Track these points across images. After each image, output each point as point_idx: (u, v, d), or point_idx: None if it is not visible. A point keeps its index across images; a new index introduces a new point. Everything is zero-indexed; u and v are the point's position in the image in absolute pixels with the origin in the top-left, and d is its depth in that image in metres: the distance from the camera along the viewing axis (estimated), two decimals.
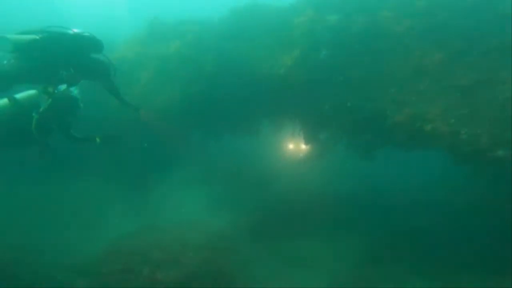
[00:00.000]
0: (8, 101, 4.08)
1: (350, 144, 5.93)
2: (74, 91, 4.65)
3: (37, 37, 4.15)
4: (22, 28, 4.27)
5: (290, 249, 5.26)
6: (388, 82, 5.54)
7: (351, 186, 7.24)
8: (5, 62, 4.19)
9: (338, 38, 6.26)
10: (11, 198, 5.82)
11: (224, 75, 6.96)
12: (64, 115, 4.41)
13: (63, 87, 4.49)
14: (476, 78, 4.78)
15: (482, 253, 4.69)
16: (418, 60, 5.46)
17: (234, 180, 7.43)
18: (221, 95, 7.03)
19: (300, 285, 4.46)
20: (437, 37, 5.62)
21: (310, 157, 6.68)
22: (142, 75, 7.30)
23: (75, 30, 4.53)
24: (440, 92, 4.89)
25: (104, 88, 5.30)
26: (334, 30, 6.37)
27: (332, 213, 6.19)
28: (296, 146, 7.72)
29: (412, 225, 5.79)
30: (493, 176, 4.14)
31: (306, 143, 6.58)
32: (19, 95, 4.23)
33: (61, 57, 4.34)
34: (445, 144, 4.43)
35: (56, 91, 4.29)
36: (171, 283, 4.32)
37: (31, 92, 4.36)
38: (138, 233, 5.55)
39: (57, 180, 6.47)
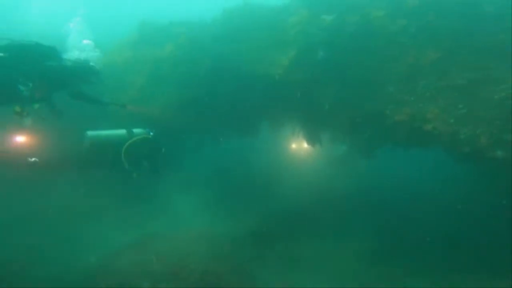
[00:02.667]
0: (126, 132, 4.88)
1: (351, 143, 6.01)
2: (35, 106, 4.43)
3: None
4: None
5: (294, 254, 5.27)
6: (386, 82, 5.63)
7: (352, 186, 7.33)
8: None
9: (334, 38, 6.28)
10: (4, 207, 5.58)
11: (221, 77, 6.87)
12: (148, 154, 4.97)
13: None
14: (471, 77, 4.92)
15: (481, 253, 4.82)
16: (414, 59, 5.56)
17: (234, 183, 7.38)
18: (219, 97, 6.95)
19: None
20: (430, 36, 5.73)
21: (311, 157, 6.71)
22: (136, 79, 7.12)
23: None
24: (438, 91, 5.01)
25: (71, 95, 4.88)
26: (329, 30, 6.37)
27: (333, 213, 6.26)
28: (296, 146, 7.75)
29: (411, 224, 5.92)
30: (492, 176, 4.28)
31: (306, 143, 6.62)
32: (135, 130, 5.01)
33: (16, 70, 4.03)
34: (444, 143, 4.57)
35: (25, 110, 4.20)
36: None
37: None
38: (137, 244, 5.33)
39: (52, 190, 6.26)
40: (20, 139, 4.48)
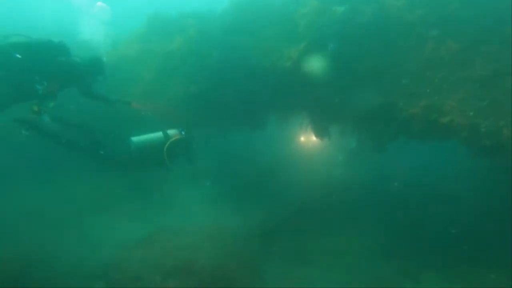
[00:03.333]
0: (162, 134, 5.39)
1: (362, 137, 5.75)
2: (51, 104, 4.55)
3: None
4: None
5: (304, 249, 5.14)
6: (400, 74, 5.34)
7: (364, 180, 7.08)
8: None
9: (346, 29, 6.03)
10: (17, 202, 5.71)
11: (229, 70, 6.77)
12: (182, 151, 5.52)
13: None
14: (494, 69, 4.58)
15: (498, 249, 4.58)
16: (432, 50, 5.24)
17: (242, 178, 7.26)
18: (227, 90, 6.85)
19: (314, 286, 4.34)
20: (451, 27, 5.38)
21: (321, 151, 6.51)
22: (145, 72, 7.13)
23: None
24: (457, 84, 4.69)
25: (82, 93, 5.05)
26: (341, 21, 6.12)
27: (344, 208, 6.08)
28: (305, 140, 7.55)
29: (426, 220, 5.68)
30: None
31: (315, 136, 6.41)
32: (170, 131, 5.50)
33: (32, 69, 4.10)
34: (463, 137, 4.25)
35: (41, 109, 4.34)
36: None
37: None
38: (148, 238, 5.37)
39: (64, 183, 6.37)
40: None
